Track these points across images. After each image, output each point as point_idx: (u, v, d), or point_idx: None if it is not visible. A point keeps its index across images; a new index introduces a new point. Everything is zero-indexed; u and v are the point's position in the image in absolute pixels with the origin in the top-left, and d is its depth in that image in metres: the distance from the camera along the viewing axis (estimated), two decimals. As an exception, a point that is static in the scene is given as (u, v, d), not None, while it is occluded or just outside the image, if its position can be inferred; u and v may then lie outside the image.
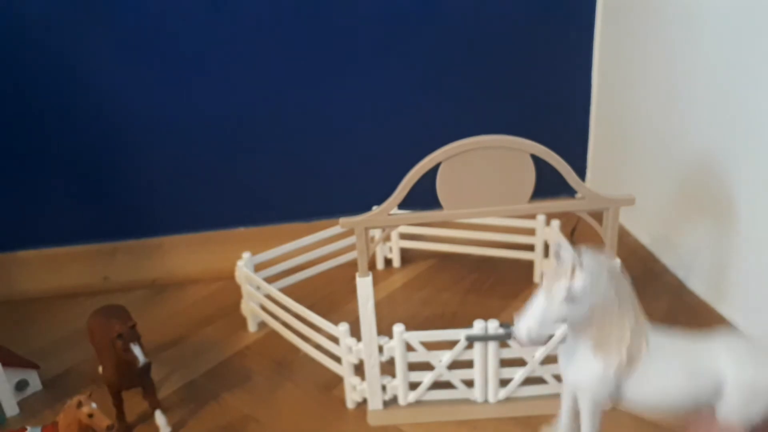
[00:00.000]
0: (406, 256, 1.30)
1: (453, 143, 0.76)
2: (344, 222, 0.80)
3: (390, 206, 0.79)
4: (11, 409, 0.94)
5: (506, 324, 0.83)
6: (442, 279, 1.23)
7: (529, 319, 0.61)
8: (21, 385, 0.97)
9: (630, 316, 0.65)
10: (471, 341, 0.84)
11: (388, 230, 0.82)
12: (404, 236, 1.27)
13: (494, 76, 1.24)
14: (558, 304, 0.60)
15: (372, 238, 0.84)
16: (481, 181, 0.77)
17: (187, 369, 1.02)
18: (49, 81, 1.14)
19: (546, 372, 0.87)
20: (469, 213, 0.79)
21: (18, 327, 1.17)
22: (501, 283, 1.19)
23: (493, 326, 0.83)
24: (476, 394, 0.88)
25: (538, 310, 0.61)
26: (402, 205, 0.79)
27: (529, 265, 1.19)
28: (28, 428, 0.76)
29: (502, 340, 0.84)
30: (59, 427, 0.74)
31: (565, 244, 0.61)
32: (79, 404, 0.73)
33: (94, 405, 0.73)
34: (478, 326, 0.83)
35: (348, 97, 1.22)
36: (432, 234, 1.23)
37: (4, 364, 0.92)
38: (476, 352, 0.85)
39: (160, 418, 0.88)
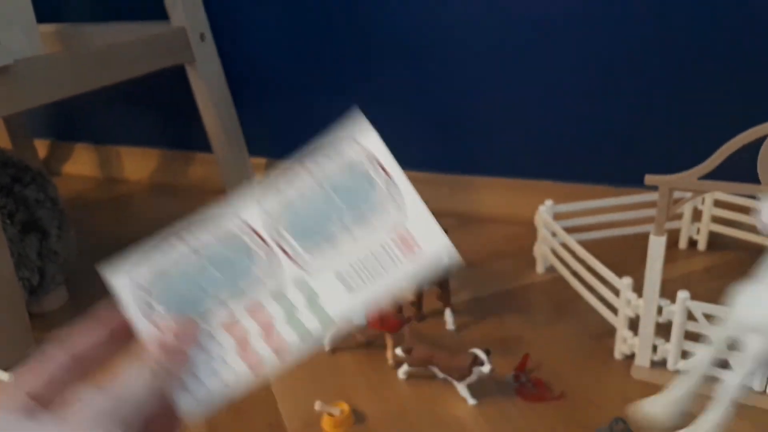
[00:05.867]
0: (716, 242, 1.23)
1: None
2: (650, 179, 0.83)
3: (700, 171, 0.79)
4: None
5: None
6: (749, 273, 1.14)
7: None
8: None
9: None
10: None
11: (694, 196, 0.82)
12: (717, 219, 1.20)
13: None
14: None
15: (675, 201, 0.85)
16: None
17: (476, 287, 1.16)
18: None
19: None
20: (791, 193, 0.75)
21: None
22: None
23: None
24: (754, 380, 0.84)
25: None
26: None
27: None
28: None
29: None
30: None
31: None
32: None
33: (404, 283, 0.91)
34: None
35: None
36: (750, 222, 1.15)
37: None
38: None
39: (448, 316, 1.04)
